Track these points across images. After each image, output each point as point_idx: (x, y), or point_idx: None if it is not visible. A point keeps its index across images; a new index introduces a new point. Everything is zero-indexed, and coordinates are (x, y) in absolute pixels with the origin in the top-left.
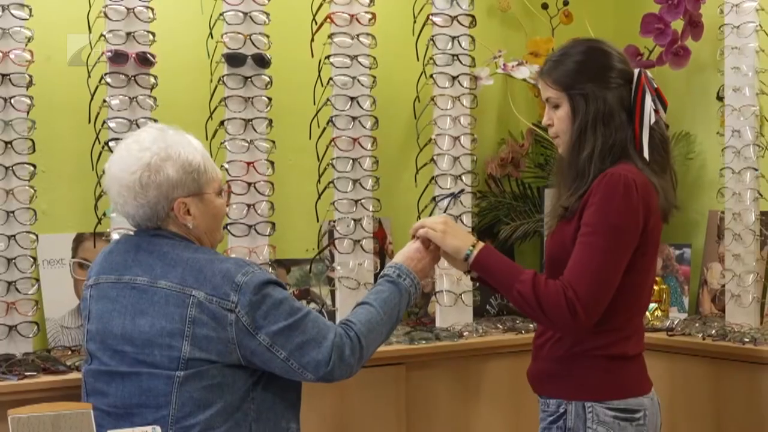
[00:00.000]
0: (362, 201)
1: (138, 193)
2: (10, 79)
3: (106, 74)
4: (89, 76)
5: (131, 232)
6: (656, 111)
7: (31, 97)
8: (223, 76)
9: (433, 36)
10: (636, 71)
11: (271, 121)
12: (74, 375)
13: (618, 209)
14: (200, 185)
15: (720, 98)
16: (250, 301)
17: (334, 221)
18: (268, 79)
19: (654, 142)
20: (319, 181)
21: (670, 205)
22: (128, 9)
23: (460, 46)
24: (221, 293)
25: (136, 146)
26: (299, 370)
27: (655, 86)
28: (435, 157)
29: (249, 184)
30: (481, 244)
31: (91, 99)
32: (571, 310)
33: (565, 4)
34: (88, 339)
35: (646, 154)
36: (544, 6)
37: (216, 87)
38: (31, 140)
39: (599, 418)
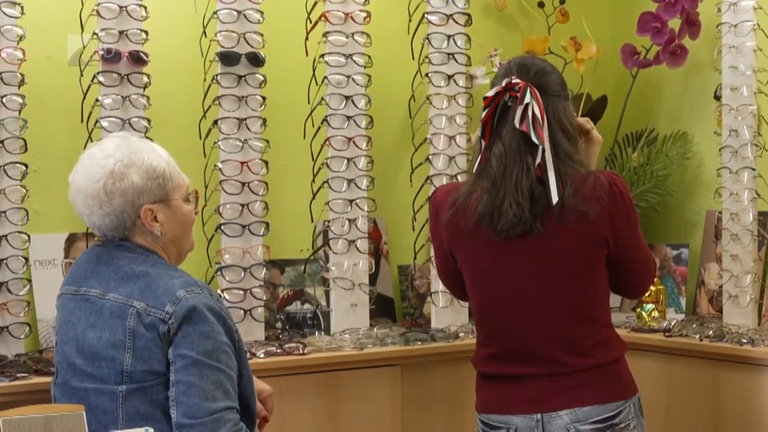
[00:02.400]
0: (357, 201)
1: (103, 201)
2: (1, 78)
3: (98, 73)
4: (82, 75)
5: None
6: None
7: (23, 96)
8: (216, 75)
9: (428, 34)
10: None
11: (265, 120)
12: None
13: None
14: (166, 191)
15: (717, 97)
16: (182, 316)
17: (329, 221)
18: (262, 77)
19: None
20: (313, 180)
21: (521, 222)
22: (121, 7)
23: (456, 44)
24: (159, 304)
25: (100, 154)
26: (173, 402)
27: (520, 97)
28: (430, 157)
29: (243, 183)
30: None
31: (84, 98)
32: None
33: (562, 2)
34: (56, 351)
35: (493, 169)
36: (541, 5)
37: (210, 86)
38: (23, 139)
39: (477, 427)
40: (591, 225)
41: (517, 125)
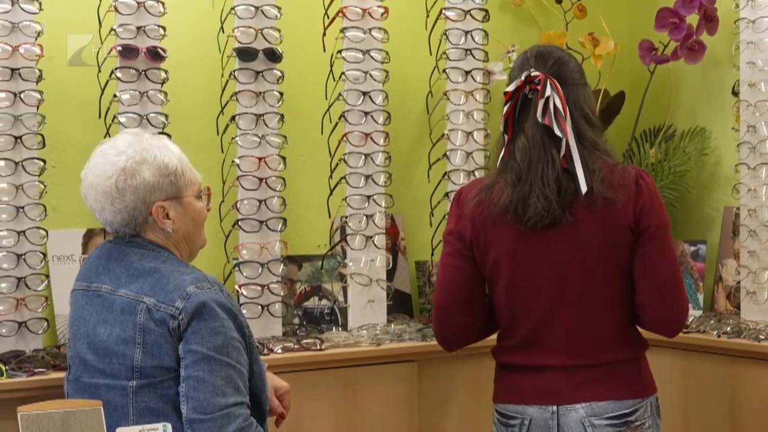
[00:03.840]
0: (374, 197)
1: (115, 198)
2: (19, 74)
3: (116, 69)
4: (99, 71)
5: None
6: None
7: (40, 92)
8: (234, 71)
9: (445, 30)
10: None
11: (282, 116)
12: None
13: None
14: (178, 188)
15: (735, 93)
16: (192, 312)
17: (346, 217)
18: (279, 73)
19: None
20: (330, 176)
21: (549, 212)
22: (138, 3)
23: (473, 40)
24: (169, 299)
25: (112, 151)
26: (183, 397)
27: (541, 90)
28: (448, 153)
29: (260, 179)
30: None
31: (102, 94)
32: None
33: None
34: (68, 346)
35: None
36: (558, 0)
37: (227, 82)
38: (41, 135)
39: (494, 417)
40: (618, 212)
41: (540, 120)
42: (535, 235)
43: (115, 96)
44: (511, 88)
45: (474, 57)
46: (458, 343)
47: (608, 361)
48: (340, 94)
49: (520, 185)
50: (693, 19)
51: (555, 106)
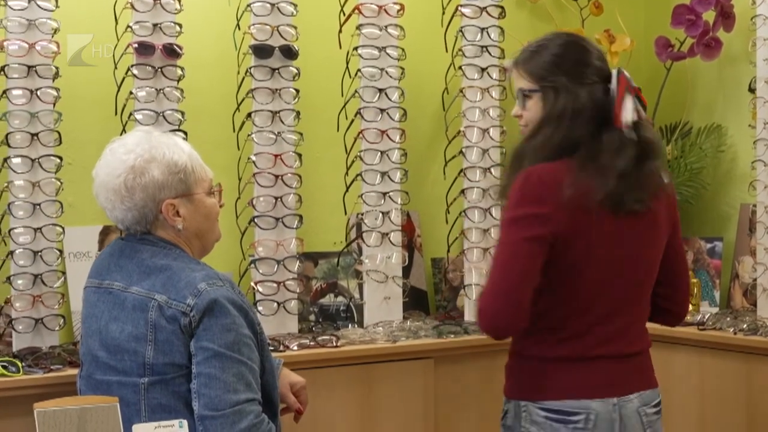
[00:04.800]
0: (390, 194)
1: (124, 196)
2: (36, 71)
3: (132, 66)
4: (116, 68)
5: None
6: (637, 111)
7: (57, 89)
8: (250, 68)
9: (461, 27)
10: (614, 71)
11: (298, 113)
12: None
13: (516, 203)
14: (188, 186)
15: (752, 90)
16: (203, 309)
17: (362, 214)
18: (295, 70)
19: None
20: (346, 173)
21: (611, 202)
22: (155, 0)
23: (489, 37)
24: (180, 296)
25: (121, 149)
26: (194, 394)
27: (635, 86)
28: (464, 150)
29: (276, 176)
30: None
31: (118, 91)
32: (478, 307)
33: None
34: (81, 343)
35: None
36: None
37: (243, 79)
38: (58, 132)
39: (532, 417)
40: (670, 202)
41: (631, 112)
42: (619, 223)
43: (131, 93)
44: (613, 84)
45: (490, 54)
46: (515, 333)
47: (644, 350)
48: (356, 91)
49: (607, 172)
50: (709, 15)
51: (637, 100)
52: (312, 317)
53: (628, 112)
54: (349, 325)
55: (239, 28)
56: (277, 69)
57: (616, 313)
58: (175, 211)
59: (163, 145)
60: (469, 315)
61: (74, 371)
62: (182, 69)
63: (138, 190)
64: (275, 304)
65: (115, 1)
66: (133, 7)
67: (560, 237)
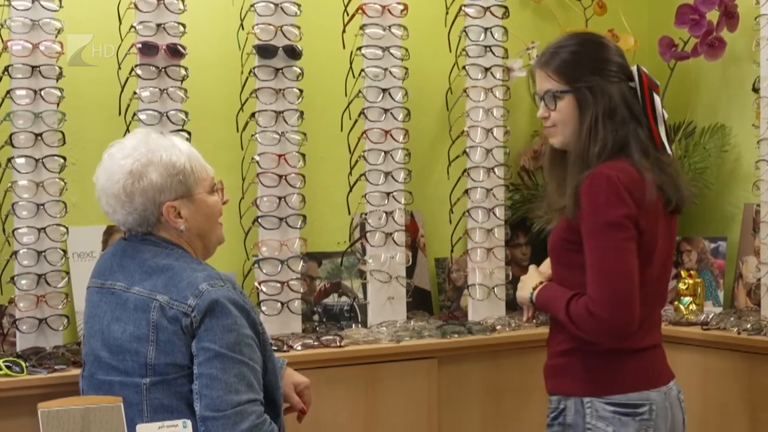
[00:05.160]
0: (394, 193)
1: (124, 201)
2: (40, 71)
3: (136, 66)
4: (119, 68)
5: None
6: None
7: (61, 90)
8: (254, 68)
9: (465, 27)
10: (634, 68)
11: (302, 113)
12: None
13: (607, 206)
14: (188, 186)
15: (756, 90)
16: (205, 309)
17: (366, 214)
18: (299, 70)
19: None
20: (350, 173)
21: (677, 198)
22: (158, 0)
23: (493, 37)
24: (182, 297)
25: (119, 154)
26: (196, 395)
27: (657, 83)
28: (467, 150)
29: (280, 176)
30: (539, 287)
31: (122, 91)
32: (593, 315)
33: None
34: (83, 343)
35: (669, 150)
36: None
37: (247, 79)
38: (61, 132)
39: (598, 413)
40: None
41: (663, 110)
42: (669, 220)
43: (135, 93)
44: (637, 82)
45: (493, 54)
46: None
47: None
48: (359, 91)
49: (666, 170)
50: (713, 15)
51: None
52: (316, 317)
53: (664, 137)
54: (353, 325)
55: (243, 28)
56: (281, 69)
57: (656, 305)
58: (176, 213)
59: (161, 147)
60: (473, 315)
61: (78, 371)
62: (186, 69)
63: (137, 194)
64: (279, 304)
65: (119, 2)
66: (136, 7)
67: (641, 235)
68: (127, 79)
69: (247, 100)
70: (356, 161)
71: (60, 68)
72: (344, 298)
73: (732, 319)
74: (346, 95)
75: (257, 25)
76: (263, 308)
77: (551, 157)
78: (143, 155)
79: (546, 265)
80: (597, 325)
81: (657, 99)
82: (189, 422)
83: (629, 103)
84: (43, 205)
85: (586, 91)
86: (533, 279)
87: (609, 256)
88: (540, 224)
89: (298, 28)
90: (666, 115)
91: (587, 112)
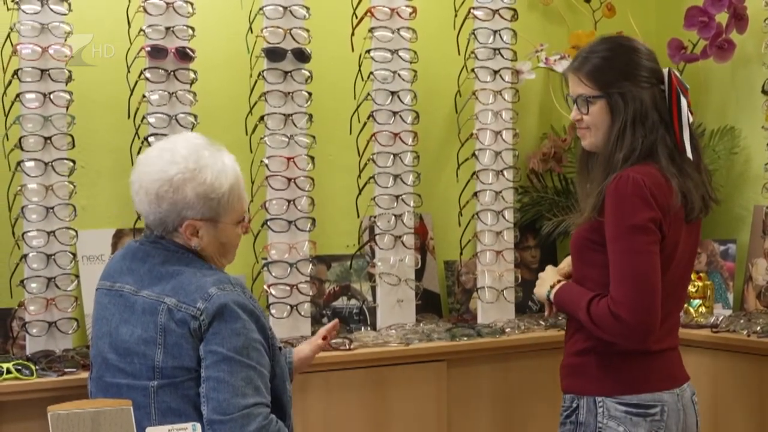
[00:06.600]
0: (403, 196)
1: (152, 200)
2: (49, 75)
3: (145, 69)
4: (128, 72)
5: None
6: (691, 111)
7: (70, 93)
8: (262, 71)
9: (474, 30)
10: (665, 71)
11: (311, 116)
12: None
13: (633, 209)
14: (217, 213)
15: (765, 92)
16: (213, 313)
17: (375, 217)
18: (308, 73)
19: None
20: (359, 176)
21: (704, 202)
22: (167, 3)
23: (502, 39)
24: (190, 300)
25: (168, 155)
26: (203, 398)
27: (687, 86)
28: (476, 152)
29: (289, 179)
30: (557, 285)
31: (131, 94)
32: (615, 316)
33: None
34: (91, 345)
35: (689, 154)
36: None
37: (256, 82)
38: (71, 136)
39: (610, 412)
40: None
41: (690, 114)
42: (689, 226)
43: (144, 96)
44: (666, 86)
45: (502, 56)
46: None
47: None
48: (368, 94)
49: (686, 177)
50: (722, 17)
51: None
52: (325, 320)
53: (687, 142)
54: (362, 328)
55: (252, 31)
56: (290, 72)
57: (675, 309)
58: (194, 231)
59: (209, 167)
60: (482, 318)
61: (88, 374)
62: (195, 72)
63: (166, 201)
64: (288, 307)
65: (128, 5)
66: (145, 10)
67: (664, 239)
68: (137, 82)
69: (256, 103)
70: (365, 164)
71: (69, 71)
72: (353, 301)
73: (741, 321)
74: (354, 98)
75: (266, 28)
76: (272, 311)
77: (582, 161)
78: (189, 170)
79: (564, 264)
80: (619, 327)
81: (684, 103)
82: (198, 425)
83: (660, 107)
84: (52, 208)
85: (618, 96)
86: (551, 277)
87: (633, 259)
88: (549, 227)
89: (307, 31)
90: (692, 119)
91: (618, 117)
